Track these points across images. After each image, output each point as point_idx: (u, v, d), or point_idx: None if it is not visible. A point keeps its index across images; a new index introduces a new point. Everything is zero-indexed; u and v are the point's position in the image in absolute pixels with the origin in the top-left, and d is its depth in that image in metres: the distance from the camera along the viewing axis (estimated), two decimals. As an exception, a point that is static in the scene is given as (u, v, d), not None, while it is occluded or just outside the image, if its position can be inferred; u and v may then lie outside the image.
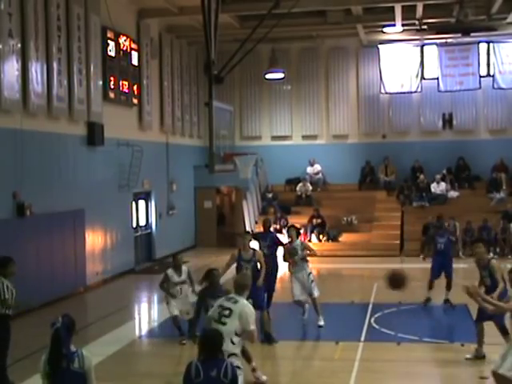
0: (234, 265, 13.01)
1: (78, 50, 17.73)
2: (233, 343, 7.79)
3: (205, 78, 14.39)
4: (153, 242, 23.52)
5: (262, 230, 15.50)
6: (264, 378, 10.14)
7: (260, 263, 12.82)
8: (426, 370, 11.02)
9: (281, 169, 28.23)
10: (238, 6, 21.54)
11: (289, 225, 18.15)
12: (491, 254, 21.96)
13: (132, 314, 16.25)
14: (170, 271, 12.93)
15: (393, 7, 22.37)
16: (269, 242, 14.03)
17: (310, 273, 13.76)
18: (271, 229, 16.56)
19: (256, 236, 14.88)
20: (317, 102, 28.70)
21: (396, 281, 10.22)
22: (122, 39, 20.42)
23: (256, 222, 26.40)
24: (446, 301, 15.26)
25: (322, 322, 13.42)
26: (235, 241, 23.05)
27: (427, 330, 13.23)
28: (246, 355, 9.53)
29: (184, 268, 13.05)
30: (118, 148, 20.14)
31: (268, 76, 27.72)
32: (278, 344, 12.28)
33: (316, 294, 13.56)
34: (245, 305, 8.18)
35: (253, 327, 8.11)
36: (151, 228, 23.56)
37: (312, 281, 13.61)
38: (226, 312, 8.07)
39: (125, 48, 20.67)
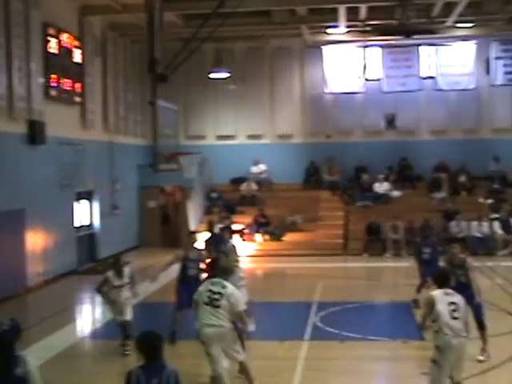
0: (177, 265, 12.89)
1: (17, 47, 17.37)
2: (227, 322, 8.89)
3: (149, 77, 14.24)
4: (96, 242, 23.22)
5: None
6: None
7: (205, 263, 12.78)
8: (369, 367, 11.14)
9: (225, 168, 28.19)
10: (183, 5, 21.44)
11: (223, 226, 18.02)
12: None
13: (74, 316, 16.03)
14: (110, 274, 12.19)
15: (337, 8, 22.57)
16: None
17: (242, 278, 12.76)
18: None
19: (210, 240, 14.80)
20: (261, 101, 28.77)
21: None
22: (63, 36, 20.11)
23: (200, 222, 26.33)
24: (414, 301, 14.93)
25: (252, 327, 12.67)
26: (180, 240, 22.99)
27: (370, 328, 13.34)
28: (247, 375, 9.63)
29: (126, 270, 12.37)
30: (60, 147, 19.83)
31: (213, 75, 27.66)
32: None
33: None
34: (233, 289, 9.16)
35: (241, 308, 9.09)
36: (94, 228, 23.27)
37: (243, 285, 12.54)
38: (217, 296, 8.96)
39: (67, 45, 20.36)
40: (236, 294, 9.16)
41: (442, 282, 8.32)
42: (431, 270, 13.95)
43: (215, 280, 9.27)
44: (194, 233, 13.88)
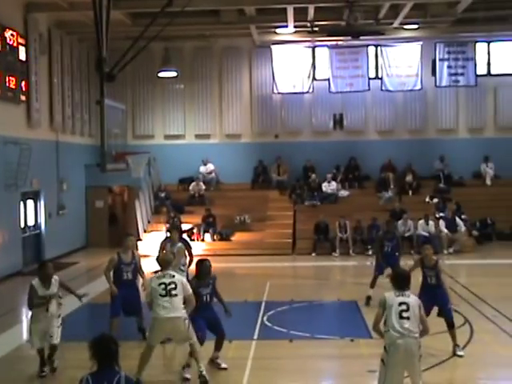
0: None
1: (-39, 44, 17.02)
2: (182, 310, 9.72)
3: (96, 76, 14.08)
4: (42, 243, 22.86)
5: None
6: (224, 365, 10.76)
7: (140, 266, 12.61)
8: (318, 365, 11.20)
9: (174, 168, 28.07)
10: (130, 3, 21.30)
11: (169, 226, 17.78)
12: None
13: (19, 318, 15.73)
14: (35, 282, 10.56)
15: (285, 9, 22.66)
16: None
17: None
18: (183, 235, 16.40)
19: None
20: (210, 101, 28.73)
21: None
22: (8, 33, 19.75)
23: (149, 222, 26.16)
24: (368, 297, 15.03)
25: None
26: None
27: (319, 327, 13.43)
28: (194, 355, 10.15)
29: (54, 278, 10.68)
30: (4, 146, 19.47)
31: (161, 74, 27.51)
32: (172, 344, 12.17)
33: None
34: (181, 277, 10.22)
35: (191, 291, 9.97)
36: (40, 228, 22.90)
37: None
38: (173, 286, 9.75)
39: (11, 42, 20.00)
40: (183, 279, 10.15)
41: (398, 284, 8.28)
42: (391, 263, 14.60)
43: (160, 274, 9.99)
44: (130, 235, 13.38)
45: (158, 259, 10.75)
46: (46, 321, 10.54)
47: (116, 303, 12.14)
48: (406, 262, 14.30)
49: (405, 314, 8.01)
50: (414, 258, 13.68)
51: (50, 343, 10.56)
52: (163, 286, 9.76)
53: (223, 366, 10.79)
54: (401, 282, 8.30)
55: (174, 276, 9.93)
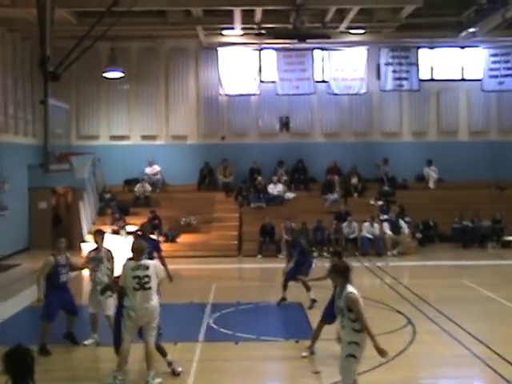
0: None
1: None
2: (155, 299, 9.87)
3: (40, 75, 13.87)
4: (-17, 245, 22.42)
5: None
6: (180, 369, 10.50)
7: (72, 266, 12.48)
8: (263, 367, 11.24)
9: (119, 169, 27.79)
10: (75, 2, 21.04)
11: (95, 228, 16.92)
12: (325, 254, 22.84)
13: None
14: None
15: (232, 11, 22.68)
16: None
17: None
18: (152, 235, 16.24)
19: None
20: (156, 102, 28.56)
21: None
22: (-51, 30, 19.29)
23: (93, 223, 25.84)
24: (313, 301, 15.00)
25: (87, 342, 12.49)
26: (73, 242, 22.56)
27: (264, 329, 13.45)
28: (160, 350, 10.38)
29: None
30: None
31: (106, 75, 27.21)
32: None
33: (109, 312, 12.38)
34: (153, 263, 10.25)
35: (163, 274, 10.57)
36: (-19, 230, 22.45)
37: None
38: (146, 279, 9.77)
39: (-48, 40, 19.55)
40: (157, 265, 10.41)
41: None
42: (301, 270, 15.01)
43: (134, 264, 9.89)
44: (61, 237, 13.01)
45: (132, 247, 10.27)
46: None
47: (52, 307, 11.85)
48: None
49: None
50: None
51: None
52: (137, 279, 9.76)
53: (179, 369, 10.57)
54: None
55: (147, 267, 9.87)
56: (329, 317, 11.04)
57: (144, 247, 10.22)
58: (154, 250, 13.32)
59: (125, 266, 10.00)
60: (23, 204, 26.12)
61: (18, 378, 5.04)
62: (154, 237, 17.14)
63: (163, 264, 12.74)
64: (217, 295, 16.88)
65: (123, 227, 24.14)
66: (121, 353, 10.01)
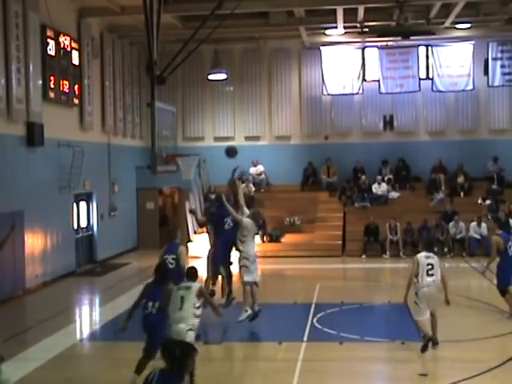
0: None
1: (16, 49, 17.36)
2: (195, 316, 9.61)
3: (147, 79, 14.24)
4: (94, 244, 23.21)
5: None
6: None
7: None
8: (368, 368, 11.15)
9: (223, 170, 28.10)
10: (181, 7, 21.43)
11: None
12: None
13: (73, 317, 16.01)
14: None
15: (335, 10, 22.59)
16: None
17: None
18: None
19: None
20: (259, 103, 28.77)
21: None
22: (62, 38, 20.07)
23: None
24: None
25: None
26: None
27: (369, 329, 13.35)
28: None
29: None
30: (58, 149, 19.82)
31: (211, 77, 27.63)
32: (222, 345, 12.25)
33: None
34: (196, 284, 9.88)
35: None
36: (93, 229, 23.24)
37: None
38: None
39: (65, 47, 20.34)
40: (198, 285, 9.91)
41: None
42: None
43: (183, 285, 9.80)
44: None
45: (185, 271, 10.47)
46: None
47: None
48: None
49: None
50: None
51: None
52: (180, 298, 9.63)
53: None
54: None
55: (189, 288, 9.73)
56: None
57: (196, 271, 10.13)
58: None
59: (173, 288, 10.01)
60: (132, 205, 26.91)
61: (174, 367, 5.62)
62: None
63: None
64: (321, 295, 16.85)
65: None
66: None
